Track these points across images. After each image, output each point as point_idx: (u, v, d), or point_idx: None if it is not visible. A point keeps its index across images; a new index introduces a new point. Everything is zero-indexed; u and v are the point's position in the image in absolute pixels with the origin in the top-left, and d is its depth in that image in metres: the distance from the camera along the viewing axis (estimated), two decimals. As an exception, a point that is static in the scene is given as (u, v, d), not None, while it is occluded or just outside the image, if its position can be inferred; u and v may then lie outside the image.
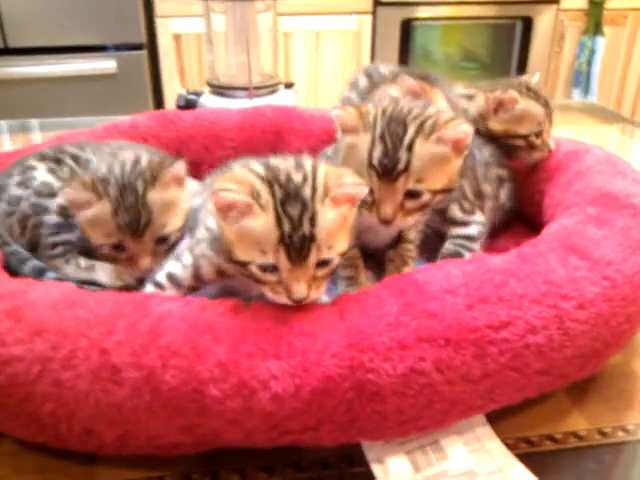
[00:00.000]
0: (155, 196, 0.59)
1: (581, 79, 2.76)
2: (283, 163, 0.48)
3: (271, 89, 1.15)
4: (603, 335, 0.48)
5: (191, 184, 0.67)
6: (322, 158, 0.76)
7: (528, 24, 2.62)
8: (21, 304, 0.46)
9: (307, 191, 0.45)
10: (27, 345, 0.43)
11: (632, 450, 0.49)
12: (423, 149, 0.51)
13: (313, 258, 0.45)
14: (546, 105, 0.72)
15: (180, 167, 0.61)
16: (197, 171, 0.88)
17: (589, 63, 2.72)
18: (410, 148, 0.51)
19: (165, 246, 0.60)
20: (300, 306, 0.46)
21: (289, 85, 1.17)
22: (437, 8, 2.52)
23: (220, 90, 1.15)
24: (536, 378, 0.46)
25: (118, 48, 2.27)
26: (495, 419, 0.49)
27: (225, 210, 0.46)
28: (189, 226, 0.62)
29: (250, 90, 1.10)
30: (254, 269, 0.46)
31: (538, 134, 0.71)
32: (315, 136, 0.87)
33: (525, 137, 0.71)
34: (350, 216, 0.47)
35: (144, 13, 2.29)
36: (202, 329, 0.44)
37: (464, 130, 0.53)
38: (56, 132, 0.96)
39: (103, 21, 2.24)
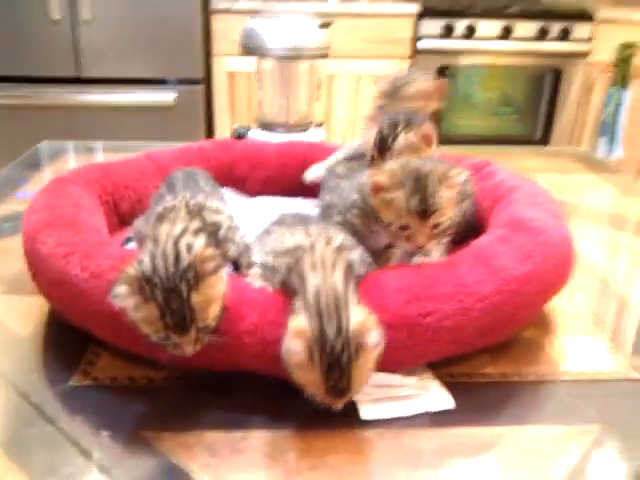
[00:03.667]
0: (199, 299, 0.59)
1: (607, 129, 2.85)
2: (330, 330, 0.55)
3: (304, 127, 1.39)
4: (497, 318, 0.68)
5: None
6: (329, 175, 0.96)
7: (557, 75, 2.73)
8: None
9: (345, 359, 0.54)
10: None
11: (521, 388, 0.68)
12: (444, 194, 0.70)
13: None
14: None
15: (223, 274, 0.62)
16: (243, 185, 1.10)
17: (616, 114, 2.80)
18: (436, 196, 0.69)
19: (207, 331, 0.61)
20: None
21: (319, 124, 1.41)
22: (474, 57, 2.67)
23: (265, 125, 1.40)
24: (448, 347, 0.67)
25: (178, 82, 2.46)
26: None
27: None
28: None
29: (287, 127, 1.34)
30: None
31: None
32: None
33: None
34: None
35: (203, 50, 2.48)
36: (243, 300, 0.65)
37: (465, 176, 0.74)
38: (116, 154, 1.09)
39: (166, 56, 2.44)
